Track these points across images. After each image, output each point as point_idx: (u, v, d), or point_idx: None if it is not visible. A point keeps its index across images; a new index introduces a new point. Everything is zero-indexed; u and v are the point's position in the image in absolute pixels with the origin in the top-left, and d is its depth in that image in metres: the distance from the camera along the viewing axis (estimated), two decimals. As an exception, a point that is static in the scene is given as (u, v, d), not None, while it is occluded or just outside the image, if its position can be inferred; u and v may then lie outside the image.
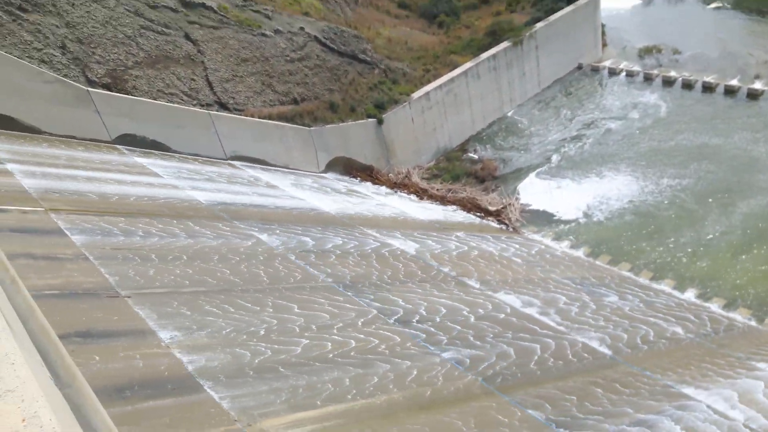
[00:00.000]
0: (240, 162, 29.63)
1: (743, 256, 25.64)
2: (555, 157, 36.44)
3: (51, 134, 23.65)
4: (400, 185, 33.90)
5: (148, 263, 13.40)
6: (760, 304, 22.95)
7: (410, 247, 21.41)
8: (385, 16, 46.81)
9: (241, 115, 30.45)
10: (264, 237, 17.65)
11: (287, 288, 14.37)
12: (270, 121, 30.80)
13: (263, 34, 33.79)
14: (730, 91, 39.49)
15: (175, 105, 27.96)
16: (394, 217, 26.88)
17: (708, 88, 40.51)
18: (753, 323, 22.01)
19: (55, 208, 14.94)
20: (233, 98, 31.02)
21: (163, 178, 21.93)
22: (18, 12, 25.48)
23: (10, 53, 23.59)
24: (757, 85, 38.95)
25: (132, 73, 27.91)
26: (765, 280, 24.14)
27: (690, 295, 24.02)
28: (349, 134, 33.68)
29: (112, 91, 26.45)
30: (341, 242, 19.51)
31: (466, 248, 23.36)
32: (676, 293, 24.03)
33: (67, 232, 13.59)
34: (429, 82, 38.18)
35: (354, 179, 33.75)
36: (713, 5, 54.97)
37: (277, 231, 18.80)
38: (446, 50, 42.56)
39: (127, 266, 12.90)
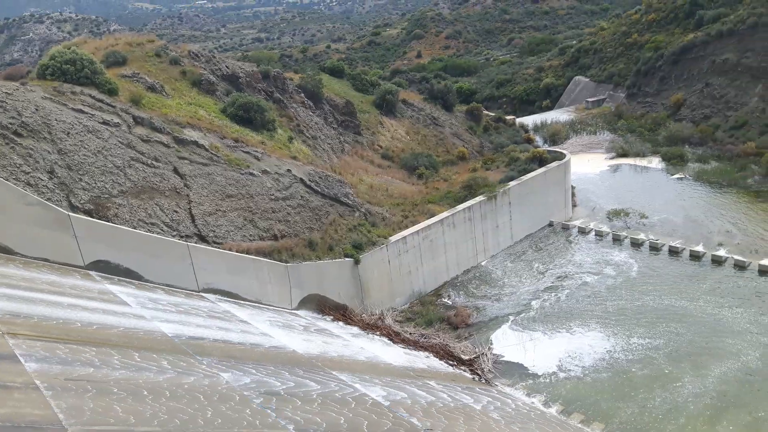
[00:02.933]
0: (212, 295, 29.35)
1: (718, 424, 25.13)
2: (527, 310, 36.72)
3: (24, 256, 23.47)
4: (373, 327, 33.53)
5: (104, 396, 12.77)
6: (737, 477, 22.17)
7: (381, 395, 20.72)
8: (368, 164, 49.27)
9: (219, 248, 30.71)
10: (226, 375, 17.04)
11: (244, 432, 13.65)
12: (247, 255, 31.03)
13: (251, 174, 35.15)
14: (695, 256, 41.13)
15: (153, 234, 28.21)
16: (365, 361, 26.27)
17: (674, 252, 42.20)
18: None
19: (14, 332, 14.45)
20: (213, 231, 31.47)
21: (132, 308, 21.51)
22: (12, 136, 26.44)
23: (-1, 174, 24.10)
24: (721, 252, 40.70)
25: (116, 201, 28.45)
26: (740, 450, 23.53)
27: (664, 462, 23.19)
28: (325, 272, 33.91)
29: (93, 217, 26.76)
30: (309, 385, 18.87)
31: (438, 400, 22.65)
32: (650, 460, 23.17)
33: (21, 359, 13.03)
34: (407, 227, 39.38)
35: (327, 318, 33.39)
36: (676, 176, 58.98)
37: (242, 370, 18.20)
38: (424, 199, 44.42)
39: (80, 399, 12.26)
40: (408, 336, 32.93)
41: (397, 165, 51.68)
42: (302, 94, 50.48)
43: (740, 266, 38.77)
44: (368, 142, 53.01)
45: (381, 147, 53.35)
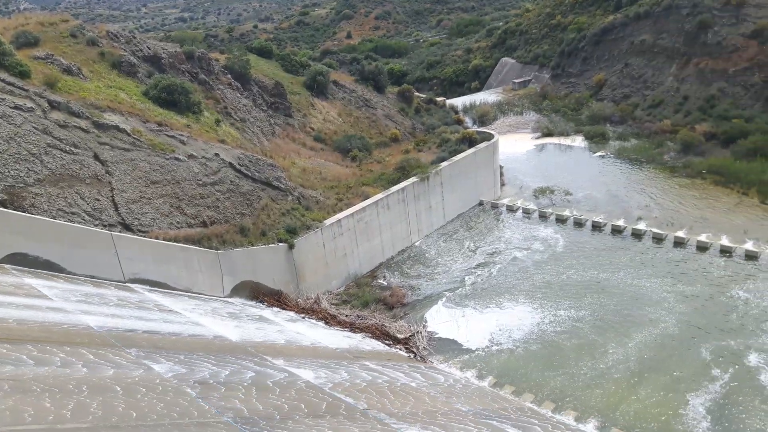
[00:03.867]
0: (140, 285, 28.39)
1: (640, 386, 26.71)
2: (460, 287, 37.58)
3: (-71, 250, 21.89)
4: (309, 311, 33.45)
5: (23, 395, 12.16)
6: (656, 435, 23.66)
7: (317, 377, 20.75)
8: (300, 147, 48.67)
9: (145, 236, 29.66)
10: (157, 367, 16.59)
11: (175, 425, 13.35)
12: (175, 244, 30.14)
13: (176, 158, 34.00)
14: (616, 231, 43.19)
15: (75, 224, 26.91)
16: (302, 345, 26.20)
17: (597, 227, 44.15)
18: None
19: None
20: (138, 219, 30.34)
21: (53, 301, 20.52)
22: None
23: None
24: (640, 226, 42.91)
25: (32, 191, 26.89)
26: (660, 409, 25.06)
27: (591, 426, 24.43)
28: (259, 258, 33.44)
29: (7, 208, 25.21)
30: (243, 373, 18.64)
31: (374, 379, 22.91)
32: (577, 425, 24.35)
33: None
34: (341, 210, 39.29)
35: (261, 304, 33.01)
36: (598, 154, 61.46)
37: (173, 360, 17.77)
38: (358, 182, 44.39)
39: (-5, 399, 11.63)
40: (344, 318, 33.07)
41: (330, 147, 51.31)
42: (229, 76, 49.08)
43: (658, 238, 41.03)
44: (300, 124, 52.32)
45: (313, 129, 52.79)
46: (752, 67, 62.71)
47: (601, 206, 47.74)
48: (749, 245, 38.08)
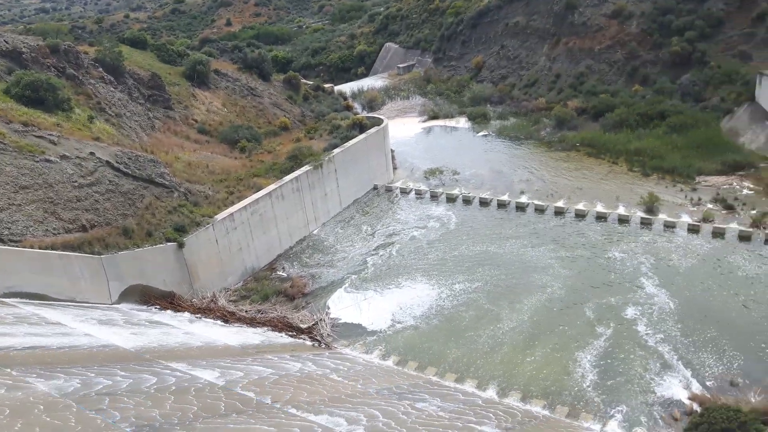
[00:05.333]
0: (16, 299, 26.13)
1: (534, 349, 28.39)
2: (360, 271, 37.92)
3: None
4: (206, 310, 32.36)
5: None
6: (550, 393, 25.27)
7: (219, 377, 20.18)
8: (184, 141, 46.64)
9: (18, 246, 27.27)
10: (41, 384, 15.39)
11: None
12: (52, 252, 27.99)
13: (47, 160, 31.46)
14: (502, 205, 45.36)
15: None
16: (200, 346, 25.34)
17: (484, 203, 46.14)
18: (546, 413, 24.00)
19: None
20: (9, 228, 27.82)
21: None
22: None
23: None
24: (523, 199, 45.33)
25: None
26: (552, 369, 26.79)
27: (491, 392, 25.66)
28: (146, 260, 31.80)
29: None
30: (140, 381, 17.74)
31: (278, 371, 22.65)
32: (478, 392, 25.48)
33: None
34: (233, 203, 38.19)
35: (153, 308, 31.50)
36: (481, 133, 64.04)
37: (61, 374, 16.56)
38: (249, 173, 43.32)
39: None
40: (244, 314, 32.35)
41: (217, 139, 49.55)
42: (101, 69, 45.87)
43: (540, 210, 43.57)
44: (181, 116, 50.05)
45: (196, 121, 50.71)
46: (614, 45, 67.80)
47: (487, 183, 49.90)
48: (621, 210, 41.43)
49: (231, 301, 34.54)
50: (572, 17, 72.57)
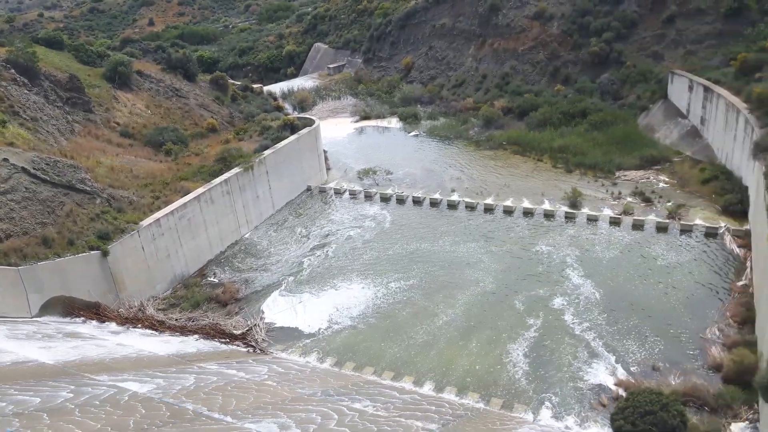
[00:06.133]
0: None
1: (468, 343, 28.92)
2: (294, 274, 37.51)
3: None
4: (133, 320, 31.13)
5: None
6: (485, 386, 25.84)
7: (148, 388, 19.44)
8: (106, 144, 44.69)
9: None
10: (-49, 407, 14.35)
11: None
12: (-38, 265, 26.19)
13: (-48, 167, 29.41)
14: (434, 203, 46.01)
15: None
16: (128, 357, 24.34)
17: (417, 202, 46.67)
18: (482, 405, 24.50)
19: None
20: None
21: None
22: None
23: None
24: (454, 197, 46.14)
25: None
26: (486, 361, 27.40)
27: (428, 388, 25.95)
28: (68, 270, 30.27)
29: None
30: (61, 396, 16.83)
31: (212, 379, 22.07)
32: (416, 388, 25.71)
33: None
34: (159, 208, 36.93)
35: (77, 319, 30.04)
36: (413, 133, 64.73)
37: (-29, 396, 15.49)
38: (176, 177, 42.01)
39: None
40: (174, 323, 31.35)
41: (141, 142, 47.75)
42: (13, 71, 43.25)
43: (470, 207, 44.49)
44: (102, 119, 47.92)
45: (119, 124, 48.68)
46: (537, 46, 70.14)
47: (420, 182, 50.50)
48: (546, 205, 42.87)
49: (160, 309, 33.39)
50: (496, 19, 74.55)
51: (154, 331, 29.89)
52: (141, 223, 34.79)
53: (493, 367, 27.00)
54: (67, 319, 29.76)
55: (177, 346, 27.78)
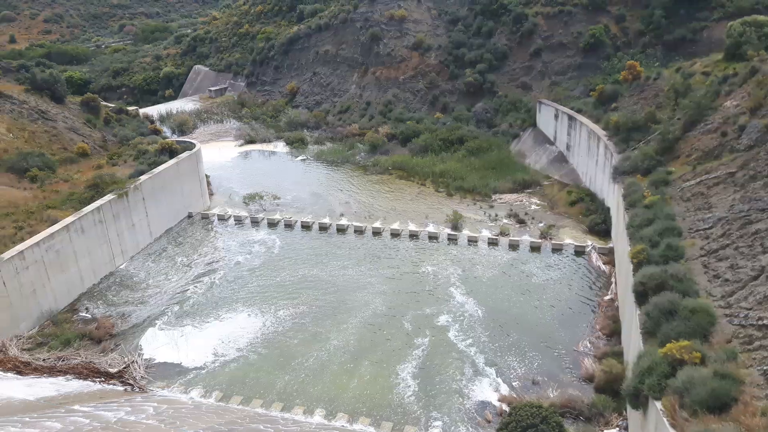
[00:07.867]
0: None
1: (358, 367, 28.97)
2: (175, 307, 35.78)
3: None
4: (-7, 364, 28.15)
5: None
6: (376, 409, 25.97)
7: (9, 438, 17.63)
8: (-42, 170, 40.43)
9: None
10: None
11: None
12: None
13: None
14: (323, 228, 46.06)
15: None
16: (-15, 406, 21.94)
17: (306, 227, 46.47)
18: (373, 430, 24.54)
19: None
20: None
21: None
22: None
23: None
24: (343, 222, 46.49)
25: None
26: (376, 385, 27.58)
27: (318, 417, 25.61)
28: None
29: None
30: None
31: (83, 423, 20.42)
32: (305, 419, 25.27)
33: None
34: (23, 239, 33.89)
35: None
36: (300, 158, 64.63)
37: None
38: (42, 205, 38.83)
39: None
40: (41, 363, 28.72)
41: (2, 168, 43.69)
42: None
43: (359, 231, 45.03)
44: (-47, 144, 43.36)
45: (-27, 149, 44.27)
46: (417, 75, 73.11)
47: (308, 206, 50.41)
48: (431, 228, 44.40)
49: (25, 349, 30.46)
50: (378, 48, 76.83)
51: (18, 374, 27.18)
52: (2, 256, 31.70)
53: (383, 390, 27.25)
54: None
55: (45, 388, 25.45)
